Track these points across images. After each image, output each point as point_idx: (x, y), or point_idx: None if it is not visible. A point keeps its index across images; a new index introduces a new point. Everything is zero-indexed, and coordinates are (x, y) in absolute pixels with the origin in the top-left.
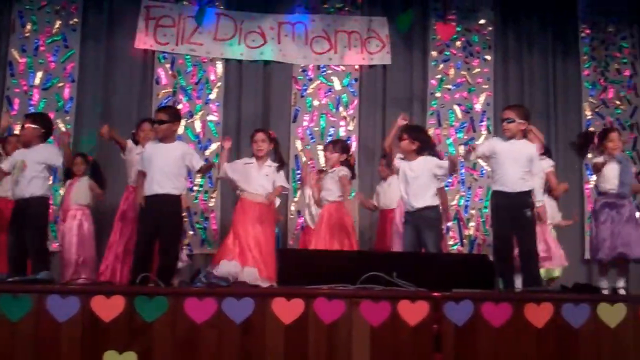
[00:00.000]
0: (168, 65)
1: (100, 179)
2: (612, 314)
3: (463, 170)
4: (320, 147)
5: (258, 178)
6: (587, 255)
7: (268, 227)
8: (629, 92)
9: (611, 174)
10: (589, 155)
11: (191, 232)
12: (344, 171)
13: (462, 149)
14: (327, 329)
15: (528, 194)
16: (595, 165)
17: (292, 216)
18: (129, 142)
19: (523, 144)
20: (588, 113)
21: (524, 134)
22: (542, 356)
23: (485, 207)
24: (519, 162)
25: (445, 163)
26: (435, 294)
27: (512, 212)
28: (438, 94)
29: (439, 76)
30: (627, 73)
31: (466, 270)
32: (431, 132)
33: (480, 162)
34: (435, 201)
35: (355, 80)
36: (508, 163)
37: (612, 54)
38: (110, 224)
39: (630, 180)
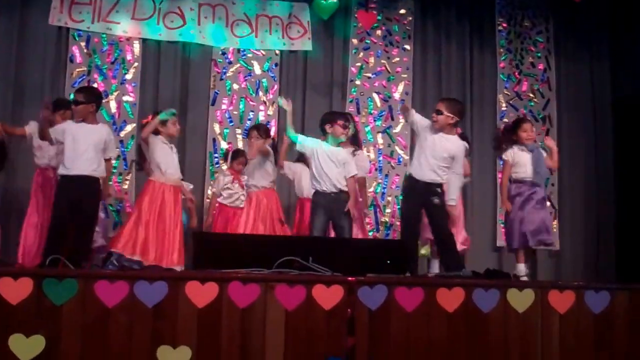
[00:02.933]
0: (83, 44)
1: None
2: (521, 300)
3: (381, 158)
4: (239, 130)
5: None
6: (499, 243)
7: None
8: (542, 86)
9: (523, 161)
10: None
11: (102, 215)
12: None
13: (380, 138)
14: (241, 313)
15: (439, 186)
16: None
17: (208, 200)
18: (29, 127)
19: (452, 141)
20: (503, 104)
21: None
22: (452, 339)
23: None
24: (438, 156)
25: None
26: (350, 278)
27: (421, 198)
28: (358, 82)
29: (359, 64)
30: (541, 67)
31: (381, 255)
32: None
33: (398, 149)
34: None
35: (276, 65)
36: (428, 152)
37: (527, 48)
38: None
39: (543, 169)
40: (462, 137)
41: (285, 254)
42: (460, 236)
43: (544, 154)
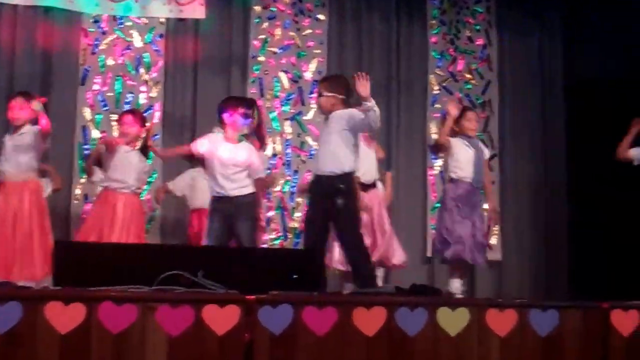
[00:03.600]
0: None
1: None
2: (453, 320)
3: (289, 150)
4: (115, 116)
5: None
6: (430, 253)
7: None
8: (481, 65)
9: (465, 158)
10: (435, 136)
11: None
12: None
13: (288, 126)
14: (114, 339)
15: (343, 181)
16: (438, 144)
17: (76, 201)
18: None
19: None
20: (435, 87)
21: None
22: None
23: None
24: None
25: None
26: (249, 297)
27: (324, 198)
28: (261, 58)
29: (262, 36)
30: (479, 42)
31: (289, 268)
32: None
33: (310, 140)
34: (253, 187)
35: (161, 36)
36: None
37: (464, 20)
38: None
39: (482, 170)
40: None
41: (169, 268)
42: (395, 254)
43: (486, 154)
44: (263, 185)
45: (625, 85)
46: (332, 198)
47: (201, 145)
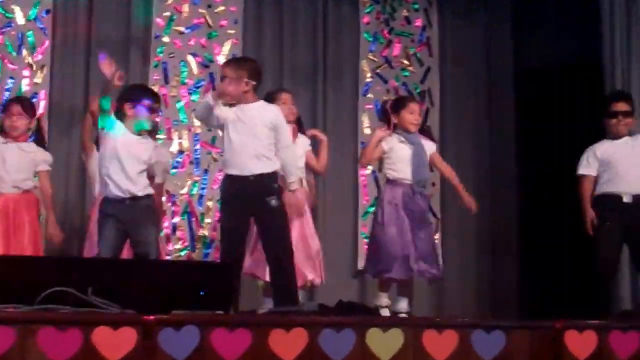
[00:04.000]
0: None
1: None
2: (386, 343)
3: (198, 146)
4: None
5: None
6: (361, 265)
7: None
8: (420, 49)
9: (401, 157)
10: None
11: None
12: None
13: (196, 120)
14: None
15: (271, 177)
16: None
17: None
18: None
19: (259, 108)
20: (367, 74)
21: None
22: None
23: None
24: (253, 134)
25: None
26: (148, 317)
27: (249, 202)
28: (166, 39)
29: (167, 13)
30: (418, 23)
31: (197, 283)
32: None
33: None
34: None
35: (47, 12)
36: (236, 136)
37: None
38: None
39: (425, 171)
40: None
41: (54, 284)
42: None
43: (430, 148)
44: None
45: (581, 73)
46: (263, 198)
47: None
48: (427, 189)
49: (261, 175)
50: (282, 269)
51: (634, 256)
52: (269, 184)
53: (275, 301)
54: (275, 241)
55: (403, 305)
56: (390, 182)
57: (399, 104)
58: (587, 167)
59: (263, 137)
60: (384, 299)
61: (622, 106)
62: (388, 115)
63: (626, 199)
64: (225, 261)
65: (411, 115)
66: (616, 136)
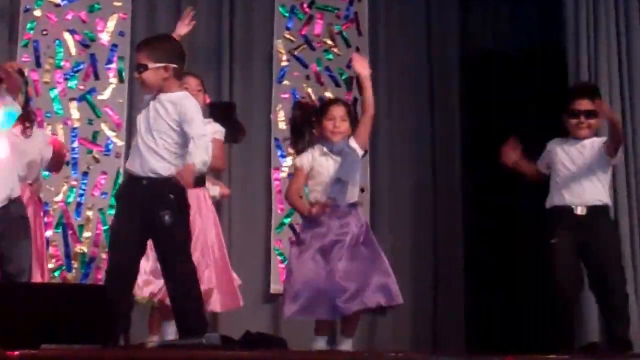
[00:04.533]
0: None
1: None
2: None
3: (76, 143)
4: None
5: None
6: (276, 287)
7: None
8: (346, 27)
9: (324, 174)
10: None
11: None
12: None
13: (75, 109)
14: None
15: (170, 185)
16: None
17: None
18: None
19: (176, 100)
20: (283, 57)
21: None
22: None
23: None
24: (154, 129)
25: None
26: (11, 353)
27: (142, 214)
28: (37, 12)
29: None
30: None
31: (73, 311)
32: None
33: (106, 130)
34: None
35: None
36: (144, 130)
37: None
38: None
39: (356, 181)
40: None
41: None
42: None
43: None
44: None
45: (541, 58)
46: (154, 211)
47: None
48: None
49: (155, 180)
50: (182, 296)
51: (591, 280)
52: (165, 192)
53: (181, 332)
54: (172, 264)
55: (346, 347)
56: (313, 205)
57: (318, 110)
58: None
59: (160, 131)
60: (319, 344)
61: (585, 104)
62: (299, 126)
63: (579, 212)
64: (111, 281)
65: (331, 122)
66: (577, 138)
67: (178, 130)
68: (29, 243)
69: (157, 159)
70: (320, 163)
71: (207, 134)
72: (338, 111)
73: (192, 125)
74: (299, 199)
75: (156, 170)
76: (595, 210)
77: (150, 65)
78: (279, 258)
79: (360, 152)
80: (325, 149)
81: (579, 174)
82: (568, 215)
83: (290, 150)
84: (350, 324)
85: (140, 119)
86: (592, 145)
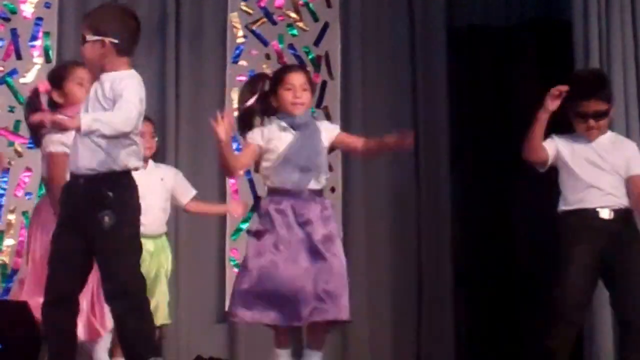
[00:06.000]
0: None
1: None
2: None
3: None
4: None
5: None
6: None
7: None
8: None
9: (277, 151)
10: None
11: None
12: None
13: None
14: None
15: (107, 179)
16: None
17: None
18: None
19: (114, 78)
20: (239, 33)
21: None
22: None
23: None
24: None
25: None
26: None
27: (81, 211)
28: None
29: None
30: None
31: None
32: None
33: None
34: None
35: None
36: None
37: None
38: None
39: (316, 162)
40: None
41: None
42: None
43: (330, 130)
44: None
45: (542, 33)
46: (93, 213)
47: None
48: (325, 191)
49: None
50: (128, 313)
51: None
52: (103, 190)
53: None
54: (115, 275)
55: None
56: (271, 190)
57: (274, 79)
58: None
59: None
60: (282, 359)
61: (594, 105)
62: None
63: (605, 215)
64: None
65: (289, 91)
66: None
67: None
68: None
69: (92, 152)
70: (277, 139)
71: (135, 105)
72: (298, 79)
73: (123, 96)
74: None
75: (92, 165)
76: (621, 215)
77: (89, 37)
78: (235, 270)
79: (333, 131)
80: (283, 123)
81: (600, 174)
82: (590, 220)
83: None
84: (318, 334)
85: (81, 107)
86: (610, 141)
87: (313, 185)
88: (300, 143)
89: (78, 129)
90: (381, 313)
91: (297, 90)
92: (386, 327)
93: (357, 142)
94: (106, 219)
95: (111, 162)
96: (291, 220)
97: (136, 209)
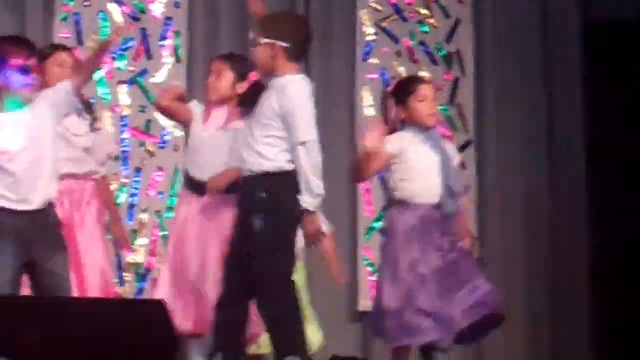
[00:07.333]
0: None
1: None
2: None
3: (127, 134)
4: None
5: None
6: (365, 305)
7: None
8: None
9: (422, 166)
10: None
11: None
12: None
13: (125, 94)
14: None
15: (262, 180)
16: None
17: None
18: None
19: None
20: (369, 30)
21: None
22: None
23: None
24: (257, 120)
25: None
26: None
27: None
28: None
29: None
30: None
31: (126, 333)
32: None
33: (160, 119)
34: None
35: None
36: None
37: None
38: None
39: (459, 183)
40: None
41: None
42: None
43: (454, 157)
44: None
45: None
46: (249, 215)
47: None
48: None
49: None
50: (274, 312)
51: None
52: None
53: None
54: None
55: None
56: (403, 204)
57: (402, 89)
58: None
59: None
60: None
61: None
62: (388, 107)
63: None
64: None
65: (422, 103)
66: None
67: (277, 125)
68: (67, 255)
69: (248, 153)
70: (413, 151)
71: (313, 139)
72: (430, 90)
73: (295, 122)
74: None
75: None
76: None
77: (260, 40)
78: (369, 269)
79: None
80: (420, 136)
81: None
82: None
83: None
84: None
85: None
86: None
87: (447, 204)
88: (441, 155)
89: None
90: (515, 313)
91: (430, 102)
92: (521, 327)
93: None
94: (258, 222)
95: (266, 163)
96: (429, 233)
97: (290, 213)
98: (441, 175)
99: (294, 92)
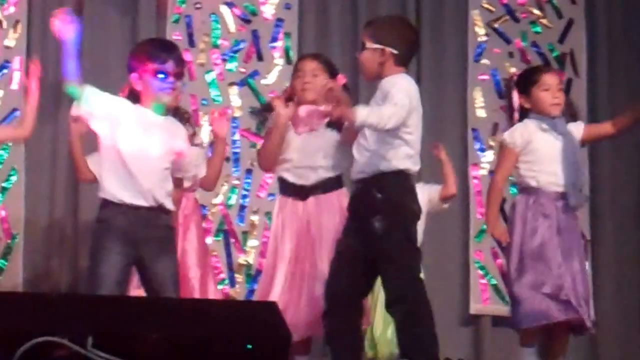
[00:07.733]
0: None
1: None
2: None
3: (237, 136)
4: None
5: None
6: (476, 307)
7: None
8: None
9: (549, 154)
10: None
11: None
12: None
13: (235, 95)
14: None
15: (375, 181)
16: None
17: None
18: None
19: (385, 83)
20: (480, 31)
21: None
22: None
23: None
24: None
25: None
26: None
27: (359, 218)
28: None
29: None
30: None
31: (238, 334)
32: None
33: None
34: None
35: None
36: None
37: None
38: None
39: (581, 175)
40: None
41: (39, 331)
42: None
43: (577, 131)
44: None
45: None
46: (367, 217)
47: (96, 118)
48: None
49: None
50: (402, 312)
51: None
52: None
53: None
54: (390, 280)
55: None
56: (530, 190)
57: (526, 79)
58: None
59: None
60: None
61: None
62: (511, 97)
63: None
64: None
65: (547, 93)
66: None
67: None
68: (175, 257)
69: (360, 154)
70: (539, 140)
71: (402, 101)
72: (554, 79)
73: (391, 92)
74: (498, 199)
75: (362, 168)
76: None
77: (369, 45)
78: (480, 272)
79: (579, 126)
80: (544, 125)
81: None
82: None
83: (492, 143)
84: (563, 339)
85: None
86: None
87: (574, 195)
88: (566, 144)
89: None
90: (630, 314)
91: (554, 91)
92: (636, 327)
93: (606, 126)
94: (376, 223)
95: (379, 163)
96: (558, 221)
97: (408, 212)
98: (566, 163)
99: (395, 79)
